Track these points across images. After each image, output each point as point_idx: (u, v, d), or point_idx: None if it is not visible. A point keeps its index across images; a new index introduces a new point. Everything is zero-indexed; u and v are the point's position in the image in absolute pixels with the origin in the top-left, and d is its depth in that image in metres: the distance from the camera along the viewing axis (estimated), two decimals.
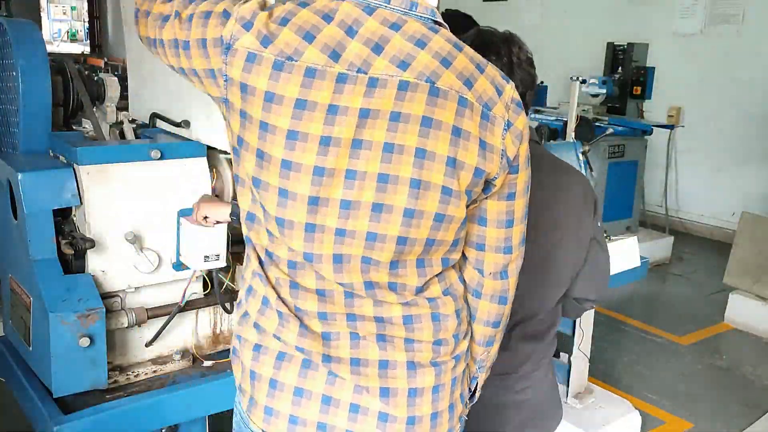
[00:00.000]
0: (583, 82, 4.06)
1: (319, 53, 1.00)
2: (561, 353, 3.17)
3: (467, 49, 1.09)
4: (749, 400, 3.48)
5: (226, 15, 1.04)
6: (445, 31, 1.09)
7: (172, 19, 1.11)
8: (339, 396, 1.09)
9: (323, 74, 1.00)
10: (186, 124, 1.76)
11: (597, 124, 5.07)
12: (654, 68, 5.71)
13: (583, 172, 2.90)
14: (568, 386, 3.01)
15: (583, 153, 2.94)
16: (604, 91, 5.45)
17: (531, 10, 7.93)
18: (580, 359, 2.96)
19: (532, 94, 1.54)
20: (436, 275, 1.14)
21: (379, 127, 1.01)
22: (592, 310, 2.95)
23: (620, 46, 5.93)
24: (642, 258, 2.69)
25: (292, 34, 1.01)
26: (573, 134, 3.35)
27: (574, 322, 2.86)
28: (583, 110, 5.27)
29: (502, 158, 1.08)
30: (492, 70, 1.10)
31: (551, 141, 4.97)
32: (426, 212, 1.05)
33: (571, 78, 3.83)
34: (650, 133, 5.55)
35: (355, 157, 1.02)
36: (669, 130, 5.96)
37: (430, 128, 1.03)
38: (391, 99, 1.01)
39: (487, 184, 1.11)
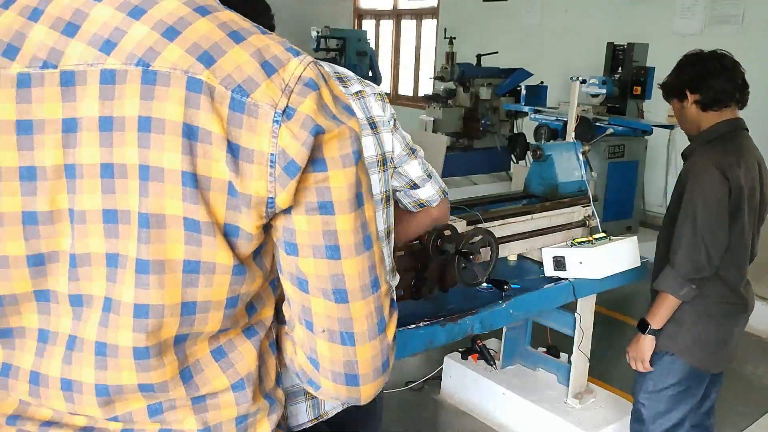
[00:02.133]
0: (583, 82, 4.05)
1: None
2: (561, 353, 3.18)
3: (224, 12, 0.73)
4: (749, 400, 3.48)
5: None
6: None
7: None
8: None
9: None
10: None
11: (597, 124, 5.07)
12: (654, 68, 5.71)
13: (583, 172, 2.90)
14: (568, 386, 3.01)
15: (583, 153, 2.93)
16: (604, 91, 5.45)
17: (531, 10, 7.94)
18: (580, 359, 2.96)
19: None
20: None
21: (89, 143, 0.68)
22: (593, 310, 2.95)
23: (620, 46, 5.93)
24: (642, 258, 2.69)
25: None
26: (573, 134, 3.35)
27: (574, 322, 2.86)
28: (583, 110, 5.27)
29: (273, 167, 0.70)
30: (264, 39, 0.73)
31: (551, 141, 4.98)
32: (168, 262, 0.70)
33: (571, 78, 3.83)
34: (650, 133, 5.55)
35: (72, 191, 0.70)
36: (669, 130, 5.96)
37: (150, 132, 0.68)
38: (96, 99, 0.68)
39: (271, 205, 0.73)
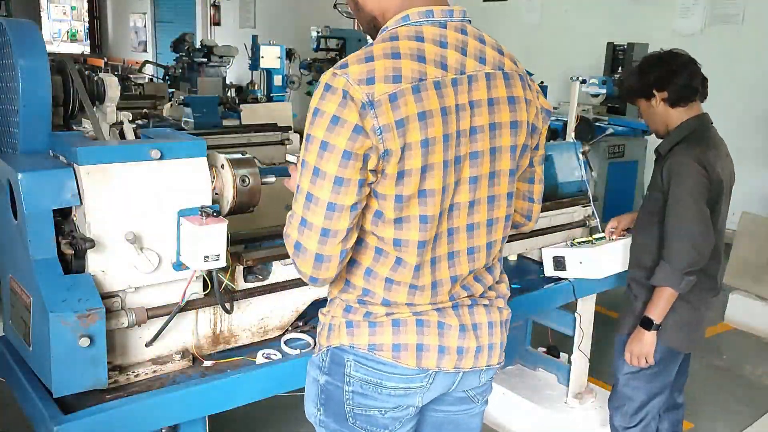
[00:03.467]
0: (583, 82, 4.04)
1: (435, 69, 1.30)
2: (561, 353, 3.18)
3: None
4: (749, 400, 3.49)
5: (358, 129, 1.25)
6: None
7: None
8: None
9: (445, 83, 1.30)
10: None
11: (597, 124, 5.07)
12: None
13: (583, 172, 2.90)
14: (568, 386, 3.01)
15: (583, 153, 2.93)
16: (604, 91, 5.43)
17: (531, 10, 7.94)
18: (580, 359, 2.96)
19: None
20: None
21: (484, 114, 1.34)
22: (593, 310, 2.95)
23: (620, 46, 5.94)
24: None
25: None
26: (573, 134, 3.35)
27: (574, 322, 2.86)
28: (583, 110, 5.26)
29: (541, 113, 1.48)
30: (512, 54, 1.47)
31: (551, 141, 4.97)
32: (515, 168, 1.43)
33: (571, 78, 3.82)
34: (650, 133, 5.53)
35: (473, 140, 1.34)
36: None
37: (515, 104, 1.39)
38: (485, 89, 1.35)
39: (538, 140, 1.51)
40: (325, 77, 1.28)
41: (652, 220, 2.30)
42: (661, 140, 2.43)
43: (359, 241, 1.37)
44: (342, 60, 1.31)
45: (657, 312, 2.25)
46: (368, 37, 1.45)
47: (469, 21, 1.39)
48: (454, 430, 1.58)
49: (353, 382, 1.41)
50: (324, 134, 1.25)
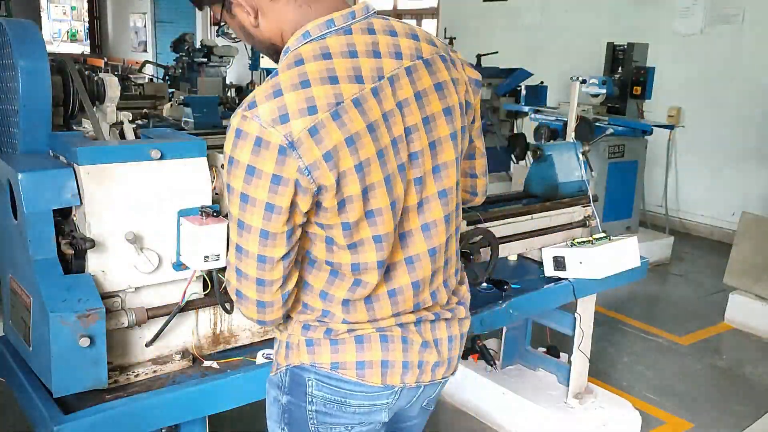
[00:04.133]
0: (583, 82, 4.05)
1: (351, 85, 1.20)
2: (561, 353, 3.18)
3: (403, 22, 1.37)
4: (749, 400, 3.49)
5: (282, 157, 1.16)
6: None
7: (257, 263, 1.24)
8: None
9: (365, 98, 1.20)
10: None
11: (597, 124, 5.07)
12: (654, 68, 5.72)
13: (583, 172, 2.90)
14: (568, 386, 3.01)
15: (583, 153, 2.93)
16: (604, 91, 5.44)
17: (531, 9, 7.94)
18: (580, 359, 2.96)
19: None
20: None
21: (414, 111, 1.26)
22: (593, 310, 2.95)
23: (620, 46, 5.93)
24: (642, 258, 2.69)
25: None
26: (573, 134, 3.35)
27: (574, 322, 2.86)
28: (583, 110, 5.27)
29: (471, 85, 1.41)
30: (428, 32, 1.39)
31: (551, 141, 4.97)
32: (460, 154, 1.37)
33: (571, 78, 3.83)
34: (650, 133, 5.55)
35: (410, 141, 1.26)
36: (669, 130, 5.96)
37: (443, 89, 1.31)
38: (409, 85, 1.26)
39: (472, 113, 1.44)
40: (235, 120, 1.17)
41: None
42: None
43: (312, 264, 1.31)
44: (250, 96, 1.19)
45: None
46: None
47: (375, 13, 1.29)
48: None
49: (316, 401, 1.36)
50: (242, 186, 1.16)
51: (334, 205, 1.20)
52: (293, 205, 1.18)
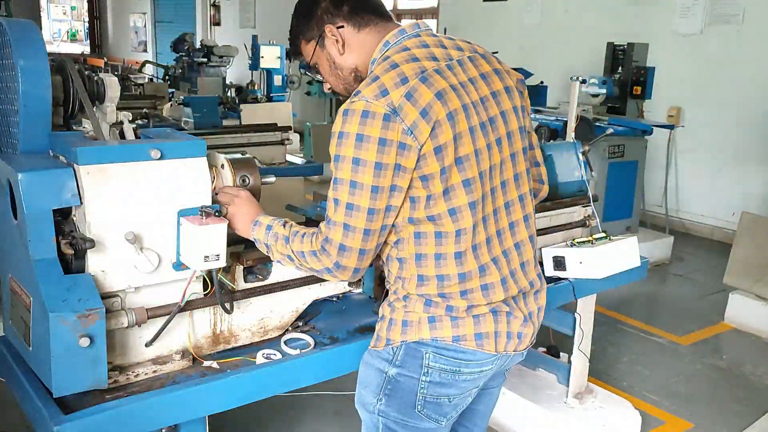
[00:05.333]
0: (583, 82, 4.04)
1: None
2: (561, 353, 3.18)
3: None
4: (749, 400, 3.48)
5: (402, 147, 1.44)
6: None
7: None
8: None
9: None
10: None
11: (597, 124, 5.06)
12: (654, 68, 5.72)
13: (583, 172, 2.90)
14: (568, 386, 3.01)
15: (583, 153, 2.93)
16: (604, 91, 5.44)
17: (531, 9, 7.94)
18: (580, 359, 2.96)
19: None
20: None
21: (481, 86, 1.57)
22: (593, 310, 2.95)
23: (620, 46, 5.93)
24: (642, 258, 2.69)
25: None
26: (573, 134, 3.35)
27: (574, 321, 2.86)
28: (583, 110, 5.26)
29: (518, 84, 1.74)
30: None
31: (551, 141, 4.97)
32: (522, 126, 1.68)
33: (571, 78, 3.82)
34: (650, 133, 5.55)
35: (486, 108, 1.56)
36: (669, 130, 5.96)
37: (500, 75, 1.64)
38: (473, 68, 1.58)
39: (524, 105, 1.73)
40: (343, 107, 1.45)
41: None
42: None
43: (418, 235, 1.53)
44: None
45: None
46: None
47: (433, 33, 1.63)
48: (489, 401, 1.85)
49: (431, 372, 1.55)
50: (354, 152, 1.42)
51: (431, 151, 1.44)
52: (397, 165, 1.43)
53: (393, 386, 1.58)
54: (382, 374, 1.59)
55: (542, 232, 2.71)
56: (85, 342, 1.49)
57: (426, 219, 1.51)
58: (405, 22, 1.64)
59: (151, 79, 7.89)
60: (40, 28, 3.99)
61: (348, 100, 1.46)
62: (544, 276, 1.77)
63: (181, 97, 5.35)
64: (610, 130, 4.20)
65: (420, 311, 1.55)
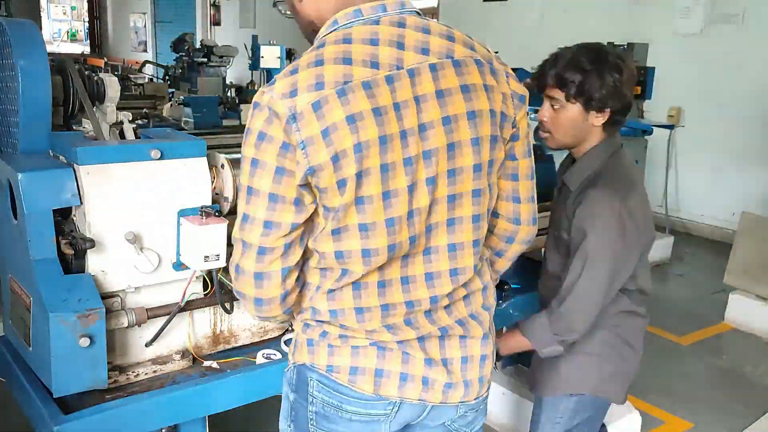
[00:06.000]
0: None
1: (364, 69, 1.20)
2: None
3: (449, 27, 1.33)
4: (749, 400, 3.48)
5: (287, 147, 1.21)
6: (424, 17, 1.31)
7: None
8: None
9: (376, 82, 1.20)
10: None
11: None
12: (654, 68, 5.71)
13: None
14: None
15: None
16: None
17: (531, 10, 7.93)
18: None
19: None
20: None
21: (432, 108, 1.23)
22: None
23: (620, 46, 5.92)
24: None
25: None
26: None
27: None
28: None
29: (513, 99, 1.33)
30: (471, 38, 1.33)
31: None
32: (483, 162, 1.29)
33: None
34: (650, 133, 5.55)
35: (425, 138, 1.23)
36: (669, 130, 5.95)
37: (470, 92, 1.26)
38: (430, 81, 1.23)
39: (514, 129, 1.35)
40: (256, 96, 1.24)
41: (566, 252, 1.96)
42: (567, 165, 2.08)
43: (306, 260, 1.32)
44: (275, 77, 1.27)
45: (504, 348, 1.98)
46: None
47: (415, 12, 1.29)
48: None
49: (316, 402, 1.34)
50: (253, 152, 1.21)
51: (333, 185, 1.19)
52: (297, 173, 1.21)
53: (295, 413, 1.40)
54: (287, 399, 1.42)
55: (542, 232, 2.70)
56: (85, 342, 1.49)
57: (312, 249, 1.30)
58: None
59: (151, 79, 7.89)
60: (40, 28, 4.00)
61: (260, 90, 1.24)
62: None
63: (181, 97, 5.35)
64: None
65: (300, 331, 1.37)
